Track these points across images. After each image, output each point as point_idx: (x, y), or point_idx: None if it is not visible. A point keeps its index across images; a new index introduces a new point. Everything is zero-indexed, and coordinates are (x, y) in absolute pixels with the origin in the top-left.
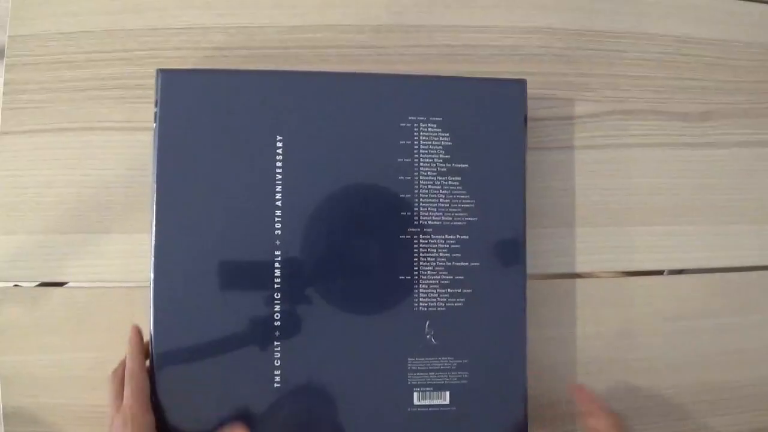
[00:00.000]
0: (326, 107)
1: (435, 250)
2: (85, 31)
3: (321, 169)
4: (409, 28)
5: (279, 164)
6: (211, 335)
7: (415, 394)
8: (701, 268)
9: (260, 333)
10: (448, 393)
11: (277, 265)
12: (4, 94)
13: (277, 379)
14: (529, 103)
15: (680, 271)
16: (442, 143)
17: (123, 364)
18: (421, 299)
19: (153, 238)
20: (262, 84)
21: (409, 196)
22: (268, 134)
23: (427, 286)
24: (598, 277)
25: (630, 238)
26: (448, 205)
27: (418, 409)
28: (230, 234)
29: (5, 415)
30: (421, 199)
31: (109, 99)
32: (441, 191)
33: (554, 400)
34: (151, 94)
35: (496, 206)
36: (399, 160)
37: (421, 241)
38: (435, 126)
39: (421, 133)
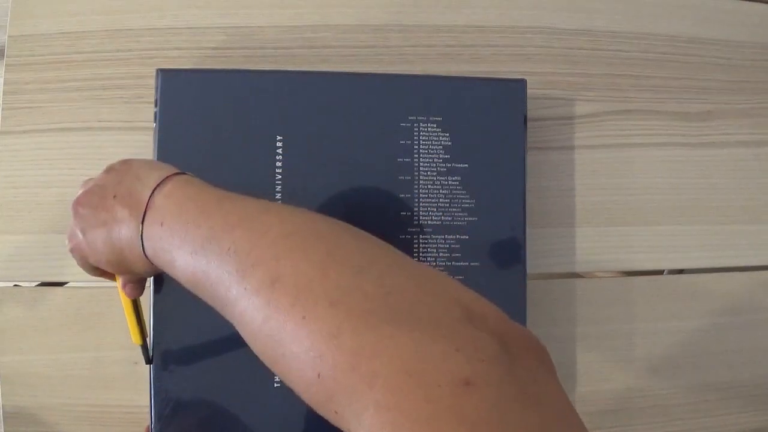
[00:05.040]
0: (326, 107)
1: (435, 250)
2: (85, 31)
3: (321, 168)
4: (409, 28)
5: (279, 164)
6: (211, 335)
7: None
8: (701, 268)
9: None
10: None
11: None
12: (4, 94)
13: (277, 378)
14: (529, 103)
15: (680, 271)
16: (442, 143)
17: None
18: None
19: None
20: (262, 84)
21: (409, 196)
22: (268, 134)
23: None
24: (598, 277)
25: (630, 238)
26: (448, 205)
27: None
28: None
29: (5, 415)
30: (421, 199)
31: (109, 99)
32: (441, 191)
33: None
34: (151, 94)
35: (496, 206)
36: (399, 160)
37: (421, 241)
38: (435, 126)
39: (421, 133)
